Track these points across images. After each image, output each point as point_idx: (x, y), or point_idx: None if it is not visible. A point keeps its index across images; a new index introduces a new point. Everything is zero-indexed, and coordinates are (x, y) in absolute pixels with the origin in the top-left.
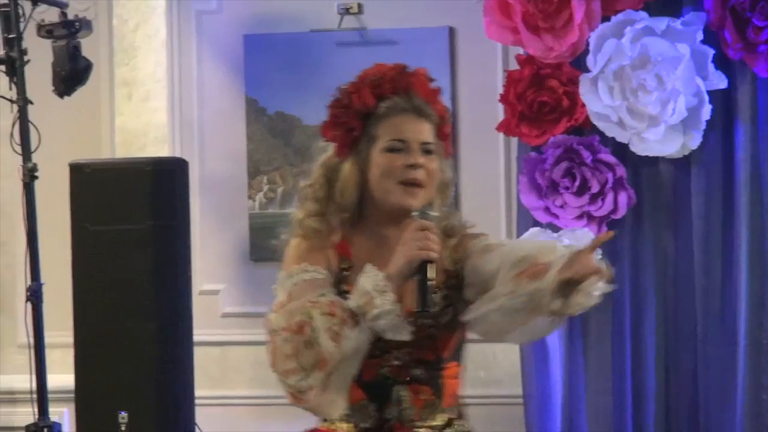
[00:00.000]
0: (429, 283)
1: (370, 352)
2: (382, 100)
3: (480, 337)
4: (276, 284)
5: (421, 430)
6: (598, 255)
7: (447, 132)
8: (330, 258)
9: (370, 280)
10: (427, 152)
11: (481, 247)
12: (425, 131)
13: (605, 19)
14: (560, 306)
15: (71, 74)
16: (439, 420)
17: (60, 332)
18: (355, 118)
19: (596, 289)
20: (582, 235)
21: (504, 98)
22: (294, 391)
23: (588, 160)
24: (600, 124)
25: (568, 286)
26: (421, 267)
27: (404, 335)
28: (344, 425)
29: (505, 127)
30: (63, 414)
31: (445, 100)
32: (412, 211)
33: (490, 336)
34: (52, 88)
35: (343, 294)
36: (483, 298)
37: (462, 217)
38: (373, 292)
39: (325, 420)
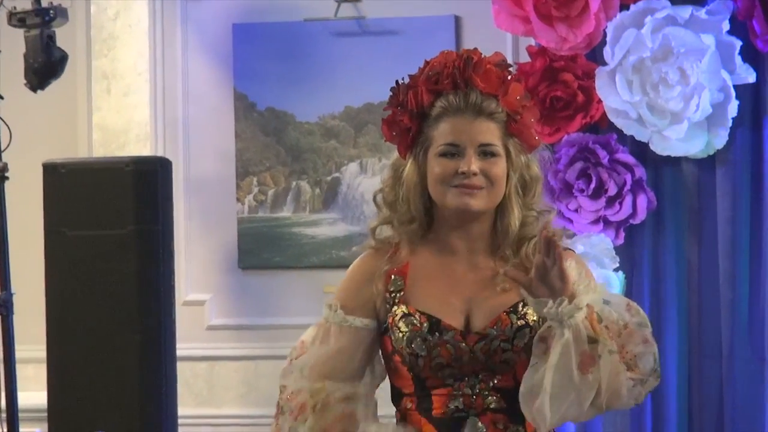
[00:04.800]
0: None
1: (441, 380)
2: (440, 97)
3: None
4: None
5: None
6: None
7: (526, 124)
8: (377, 286)
9: None
10: (488, 154)
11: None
12: (484, 132)
13: (624, 7)
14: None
15: (45, 66)
16: None
17: (32, 346)
18: (410, 118)
19: None
20: (598, 242)
21: None
22: None
23: (605, 161)
24: (618, 122)
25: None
26: None
27: None
28: None
29: None
30: None
31: None
32: (472, 212)
33: None
34: (24, 81)
35: (389, 327)
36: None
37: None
38: None
39: None
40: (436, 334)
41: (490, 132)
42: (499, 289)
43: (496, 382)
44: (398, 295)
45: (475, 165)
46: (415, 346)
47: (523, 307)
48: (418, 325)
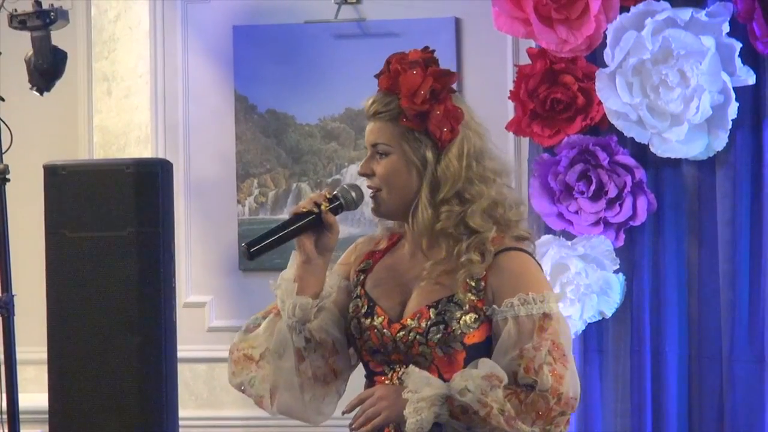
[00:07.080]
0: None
1: (380, 366)
2: None
3: None
4: None
5: None
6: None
7: (431, 118)
8: (355, 261)
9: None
10: (379, 154)
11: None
12: (373, 132)
13: (624, 9)
14: None
15: (52, 68)
16: None
17: (33, 348)
18: None
19: None
20: (598, 244)
21: (514, 95)
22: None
23: (605, 162)
24: (618, 124)
25: None
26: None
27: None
28: None
29: (515, 127)
30: None
31: None
32: (376, 213)
33: None
34: (30, 85)
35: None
36: None
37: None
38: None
39: None
40: (369, 318)
41: (377, 131)
42: (435, 284)
43: None
44: (362, 276)
45: (362, 167)
46: (352, 326)
47: (446, 303)
48: (360, 307)
